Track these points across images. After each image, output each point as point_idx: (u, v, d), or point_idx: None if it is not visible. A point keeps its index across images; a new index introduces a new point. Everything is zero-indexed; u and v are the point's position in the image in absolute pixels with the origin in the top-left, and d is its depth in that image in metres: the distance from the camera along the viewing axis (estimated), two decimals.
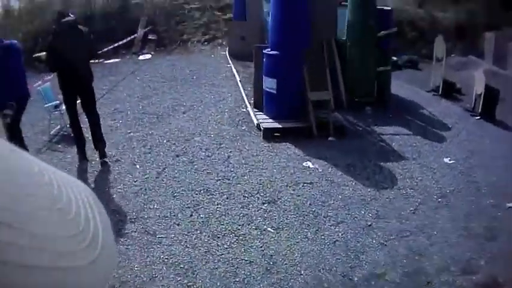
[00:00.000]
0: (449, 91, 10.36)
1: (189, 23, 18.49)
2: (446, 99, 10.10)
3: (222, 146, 7.14)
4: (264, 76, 7.67)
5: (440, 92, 10.30)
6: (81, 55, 6.50)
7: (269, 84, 7.52)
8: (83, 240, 0.36)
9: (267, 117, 7.74)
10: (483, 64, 13.30)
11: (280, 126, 7.46)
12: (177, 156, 6.87)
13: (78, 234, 0.36)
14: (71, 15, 6.93)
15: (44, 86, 8.09)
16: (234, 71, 11.87)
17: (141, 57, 15.99)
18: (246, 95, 9.33)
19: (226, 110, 8.56)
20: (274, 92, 7.46)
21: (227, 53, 14.98)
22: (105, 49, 14.06)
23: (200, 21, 18.44)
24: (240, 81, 10.62)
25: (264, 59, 7.68)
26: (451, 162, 6.80)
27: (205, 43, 17.24)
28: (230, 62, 13.43)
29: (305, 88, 7.45)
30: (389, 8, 10.41)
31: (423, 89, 10.79)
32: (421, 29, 18.52)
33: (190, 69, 12.61)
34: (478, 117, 8.84)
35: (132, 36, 16.77)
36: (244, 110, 8.55)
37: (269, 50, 7.69)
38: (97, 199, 0.43)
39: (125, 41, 15.70)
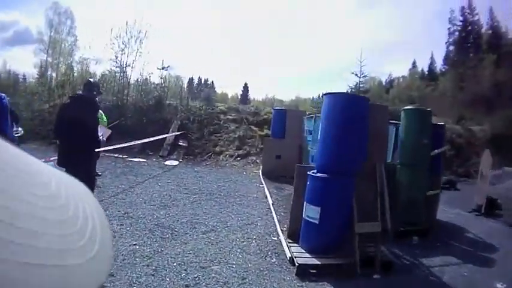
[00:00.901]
0: (492, 208, 10.29)
1: (223, 134, 17.80)
2: (488, 218, 10.04)
3: (245, 281, 5.52)
4: (305, 203, 6.35)
5: (482, 211, 10.27)
6: (88, 124, 6.51)
7: (311, 212, 6.19)
8: (80, 238, 0.37)
9: (303, 251, 6.31)
10: None
11: (319, 262, 5.98)
12: (187, 287, 5.33)
13: (76, 232, 0.37)
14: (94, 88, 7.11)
15: (48, 163, 7.05)
16: (267, 192, 10.63)
17: (167, 162, 15.08)
18: (278, 221, 8.00)
19: (255, 237, 7.10)
20: (316, 222, 6.11)
21: (260, 171, 13.99)
22: (131, 143, 13.19)
23: (235, 135, 17.75)
24: (272, 204, 9.38)
25: (308, 183, 6.40)
26: (503, 286, 6.07)
27: (238, 158, 16.32)
28: (263, 181, 12.30)
29: (353, 219, 6.14)
30: (441, 123, 9.72)
31: (464, 210, 10.71)
32: (458, 147, 17.89)
33: (219, 184, 11.47)
34: None
35: (162, 137, 15.98)
36: (276, 239, 7.10)
37: (315, 172, 6.44)
38: (94, 198, 0.44)
39: (152, 139, 14.81)
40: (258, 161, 16.03)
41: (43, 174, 0.39)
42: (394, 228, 7.43)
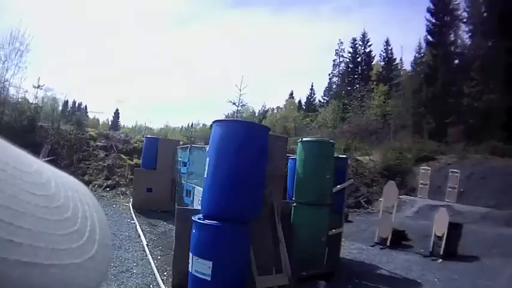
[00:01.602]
0: (399, 240, 9.99)
1: (92, 162, 16.78)
2: (396, 250, 9.65)
3: None
4: (192, 255, 5.48)
5: (388, 244, 9.81)
6: None
7: (200, 267, 5.36)
8: (79, 238, 0.37)
9: None
10: (418, 201, 14.80)
11: None
12: None
13: (75, 231, 0.37)
14: None
15: None
16: (139, 230, 10.00)
17: None
18: (157, 267, 7.41)
19: (132, 287, 6.49)
20: (208, 278, 5.29)
21: (131, 205, 13.19)
22: None
23: (104, 163, 16.86)
24: (147, 245, 8.76)
25: (194, 231, 5.53)
26: None
27: (107, 189, 15.39)
28: (134, 217, 11.57)
29: (251, 272, 5.72)
30: (344, 156, 9.52)
31: (365, 244, 10.18)
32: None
33: None
34: (440, 261, 8.68)
35: None
36: None
37: (201, 218, 5.60)
38: (94, 198, 0.44)
39: None
40: (127, 192, 15.20)
41: (43, 174, 0.39)
42: (295, 275, 6.61)
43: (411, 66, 35.08)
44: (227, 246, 5.38)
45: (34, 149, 15.91)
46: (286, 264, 6.41)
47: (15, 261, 0.30)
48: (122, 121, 57.09)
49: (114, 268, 7.16)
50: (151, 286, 6.64)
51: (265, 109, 41.83)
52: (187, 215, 6.11)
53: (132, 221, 11.09)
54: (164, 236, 9.89)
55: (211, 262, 5.28)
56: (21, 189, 0.34)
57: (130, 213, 12.14)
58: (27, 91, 20.17)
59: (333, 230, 7.83)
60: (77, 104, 51.59)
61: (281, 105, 44.98)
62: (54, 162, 15.74)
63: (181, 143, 15.61)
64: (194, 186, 10.34)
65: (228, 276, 5.33)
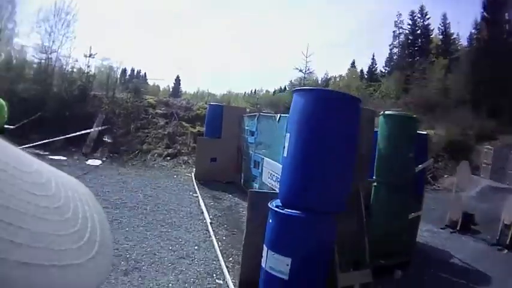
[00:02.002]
0: (468, 225, 9.35)
1: (152, 130, 15.93)
2: (465, 235, 9.02)
3: None
4: (267, 249, 4.34)
5: (458, 228, 9.23)
6: None
7: (276, 264, 4.20)
8: (80, 239, 0.36)
9: None
10: (481, 182, 13.59)
11: None
12: None
13: (76, 232, 0.36)
14: None
15: None
16: (203, 205, 8.99)
17: (89, 162, 13.11)
18: (221, 251, 6.38)
19: (192, 280, 5.40)
20: (285, 277, 4.14)
21: (193, 175, 12.29)
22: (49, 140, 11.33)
23: (164, 131, 15.95)
24: (211, 223, 7.74)
25: (271, 221, 4.35)
26: None
27: (168, 158, 14.53)
28: (197, 189, 10.59)
29: (334, 269, 4.51)
30: (424, 132, 8.35)
31: (436, 226, 9.40)
32: None
33: (145, 193, 9.66)
34: (506, 251, 8.09)
35: (85, 132, 14.00)
36: (222, 282, 5.49)
37: (281, 206, 4.36)
38: (94, 198, 0.44)
39: (74, 134, 12.88)
40: (190, 161, 14.34)
41: (43, 174, 0.38)
42: (372, 264, 5.46)
43: (467, 41, 33.68)
44: (311, 241, 4.23)
45: (86, 118, 15.33)
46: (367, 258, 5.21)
47: (15, 261, 0.29)
48: (183, 87, 56.17)
49: (172, 253, 6.19)
50: (214, 276, 5.59)
51: (328, 77, 40.49)
52: (261, 199, 4.93)
53: (194, 194, 10.14)
54: (229, 212, 8.88)
55: (290, 259, 4.14)
56: (21, 189, 0.33)
57: (193, 185, 11.23)
58: (77, 60, 19.54)
59: (412, 214, 6.81)
60: (135, 72, 51.06)
61: (343, 74, 43.32)
62: (109, 131, 15.12)
63: (247, 110, 14.53)
64: (263, 157, 9.46)
65: (308, 276, 4.19)
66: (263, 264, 4.39)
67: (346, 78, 39.44)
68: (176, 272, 5.56)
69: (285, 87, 37.85)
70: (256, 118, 10.53)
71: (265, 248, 4.38)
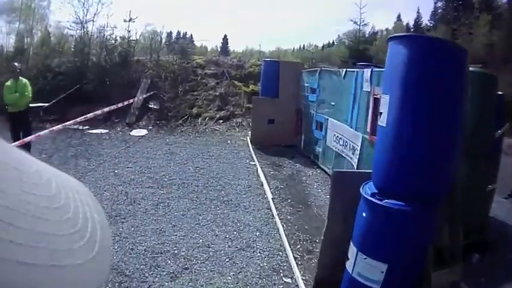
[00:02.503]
0: None
1: (202, 92, 14.84)
2: None
3: None
4: (356, 250, 3.24)
5: None
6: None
7: (366, 270, 3.14)
8: (80, 239, 0.36)
9: None
10: None
11: None
12: None
13: (76, 232, 0.36)
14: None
15: None
16: (262, 175, 7.89)
17: (134, 132, 12.22)
18: (287, 235, 5.29)
19: (255, 280, 4.36)
20: (376, 287, 3.09)
21: (249, 139, 11.19)
22: (91, 114, 10.52)
23: (215, 92, 14.84)
24: (273, 199, 6.65)
25: (364, 214, 3.25)
26: None
27: (220, 121, 13.45)
28: (254, 156, 9.48)
29: (428, 268, 3.31)
30: (500, 93, 6.90)
31: (499, 194, 7.53)
32: None
33: (196, 165, 8.65)
34: None
35: (129, 102, 13.08)
36: (290, 281, 4.39)
37: (378, 193, 3.23)
38: (94, 198, 0.43)
39: (116, 106, 11.98)
40: (244, 123, 13.26)
41: (43, 175, 0.38)
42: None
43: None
44: (415, 241, 3.14)
45: (130, 85, 14.44)
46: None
47: (16, 262, 0.29)
48: (231, 46, 54.88)
49: (230, 243, 5.14)
50: (281, 273, 4.50)
51: (375, 31, 38.73)
52: (348, 181, 3.74)
53: (252, 162, 9.06)
54: (292, 182, 7.75)
55: (387, 266, 3.04)
56: (22, 189, 0.33)
57: (249, 151, 10.16)
58: (115, 27, 18.70)
59: (489, 186, 5.82)
60: (181, 34, 49.87)
61: (389, 27, 41.79)
62: (156, 96, 14.18)
63: (305, 66, 13.23)
64: (327, 117, 8.35)
65: (403, 284, 3.15)
66: (349, 268, 3.32)
67: (393, 32, 38.08)
68: (235, 269, 4.52)
69: (333, 42, 37.15)
70: (317, 74, 9.37)
71: (353, 248, 3.29)
